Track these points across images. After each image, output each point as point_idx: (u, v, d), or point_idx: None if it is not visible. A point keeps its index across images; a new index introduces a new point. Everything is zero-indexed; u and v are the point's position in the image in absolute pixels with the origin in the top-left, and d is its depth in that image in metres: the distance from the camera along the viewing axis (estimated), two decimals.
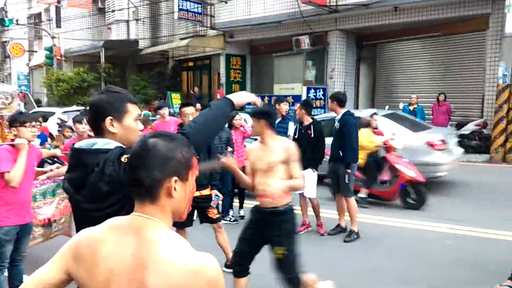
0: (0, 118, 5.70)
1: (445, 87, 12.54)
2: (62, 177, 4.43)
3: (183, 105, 4.68)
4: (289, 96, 13.72)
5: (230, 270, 4.28)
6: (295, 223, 3.53)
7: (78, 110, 12.50)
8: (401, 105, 11.76)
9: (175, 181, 1.23)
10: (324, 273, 4.46)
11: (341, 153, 5.42)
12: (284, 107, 6.03)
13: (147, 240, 1.18)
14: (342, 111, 5.49)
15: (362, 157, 6.63)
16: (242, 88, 18.26)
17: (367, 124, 7.01)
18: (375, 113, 7.34)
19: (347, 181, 5.41)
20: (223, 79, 18.02)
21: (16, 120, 3.55)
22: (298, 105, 5.73)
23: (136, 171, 1.23)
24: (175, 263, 1.14)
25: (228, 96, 2.07)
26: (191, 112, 4.47)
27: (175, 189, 1.23)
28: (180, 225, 4.12)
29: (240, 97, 2.09)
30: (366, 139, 6.75)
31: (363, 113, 7.51)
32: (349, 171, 5.39)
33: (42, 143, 7.76)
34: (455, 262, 4.64)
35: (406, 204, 6.73)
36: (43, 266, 1.31)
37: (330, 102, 5.57)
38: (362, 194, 6.87)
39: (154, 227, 1.21)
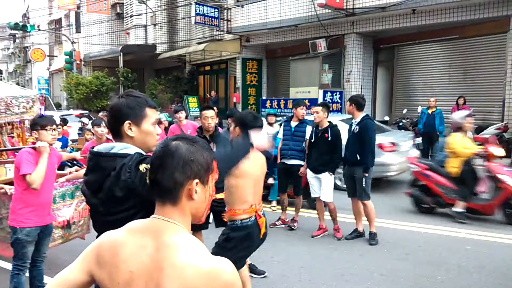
0: (22, 122, 5.82)
1: (464, 91, 12.33)
2: (81, 180, 4.53)
3: (204, 108, 4.69)
4: (305, 99, 13.69)
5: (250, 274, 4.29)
6: (233, 241, 3.15)
7: (77, 115, 12.76)
8: (419, 109, 11.60)
9: (196, 183, 1.24)
10: (339, 278, 4.44)
11: (358, 157, 5.38)
12: (300, 111, 6.00)
13: (164, 243, 1.19)
14: (360, 114, 5.45)
15: (456, 165, 6.13)
16: (258, 91, 18.29)
17: (459, 128, 6.23)
18: (470, 115, 6.46)
19: (364, 185, 5.37)
20: (239, 83, 18.10)
21: (37, 124, 3.63)
22: (315, 108, 5.65)
23: (158, 172, 1.24)
24: (191, 267, 1.14)
25: (249, 137, 2.39)
26: (211, 115, 4.48)
27: (195, 191, 1.25)
28: (197, 228, 4.18)
29: (260, 141, 2.49)
30: (460, 144, 6.07)
31: (455, 115, 6.72)
32: (366, 174, 5.35)
33: (63, 147, 7.93)
34: (474, 268, 4.55)
35: (509, 219, 5.95)
36: (66, 267, 1.33)
37: (348, 104, 5.52)
38: (459, 208, 6.08)
39: (172, 230, 1.22)
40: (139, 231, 1.25)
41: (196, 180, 1.24)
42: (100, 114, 11.96)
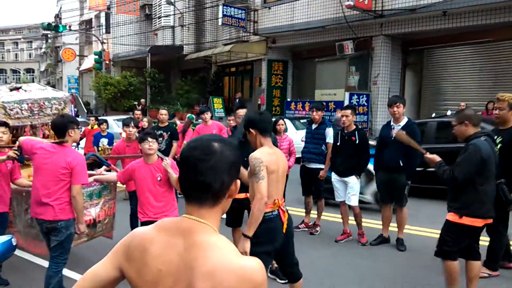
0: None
1: (495, 95, 11.99)
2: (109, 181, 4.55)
3: (237, 107, 4.91)
4: (331, 102, 13.60)
5: (273, 277, 4.30)
6: (258, 235, 3.13)
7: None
8: (448, 113, 11.33)
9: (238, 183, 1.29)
10: (362, 283, 4.39)
11: (401, 162, 5.10)
12: (314, 113, 5.90)
13: (196, 243, 1.20)
14: (404, 118, 5.24)
15: None
16: (283, 93, 18.26)
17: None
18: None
19: (406, 191, 5.26)
20: (264, 84, 18.11)
21: (75, 122, 3.76)
22: (344, 111, 5.56)
23: (207, 175, 1.22)
24: (223, 267, 1.15)
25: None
26: (244, 114, 4.66)
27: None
28: (233, 225, 4.55)
29: None
30: None
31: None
32: (409, 182, 5.24)
33: (109, 144, 8.16)
34: (503, 278, 4.42)
35: None
36: (98, 262, 1.35)
37: (402, 106, 5.18)
38: None
39: (203, 230, 1.22)
40: (169, 230, 1.25)
41: (238, 180, 1.28)
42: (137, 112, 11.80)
